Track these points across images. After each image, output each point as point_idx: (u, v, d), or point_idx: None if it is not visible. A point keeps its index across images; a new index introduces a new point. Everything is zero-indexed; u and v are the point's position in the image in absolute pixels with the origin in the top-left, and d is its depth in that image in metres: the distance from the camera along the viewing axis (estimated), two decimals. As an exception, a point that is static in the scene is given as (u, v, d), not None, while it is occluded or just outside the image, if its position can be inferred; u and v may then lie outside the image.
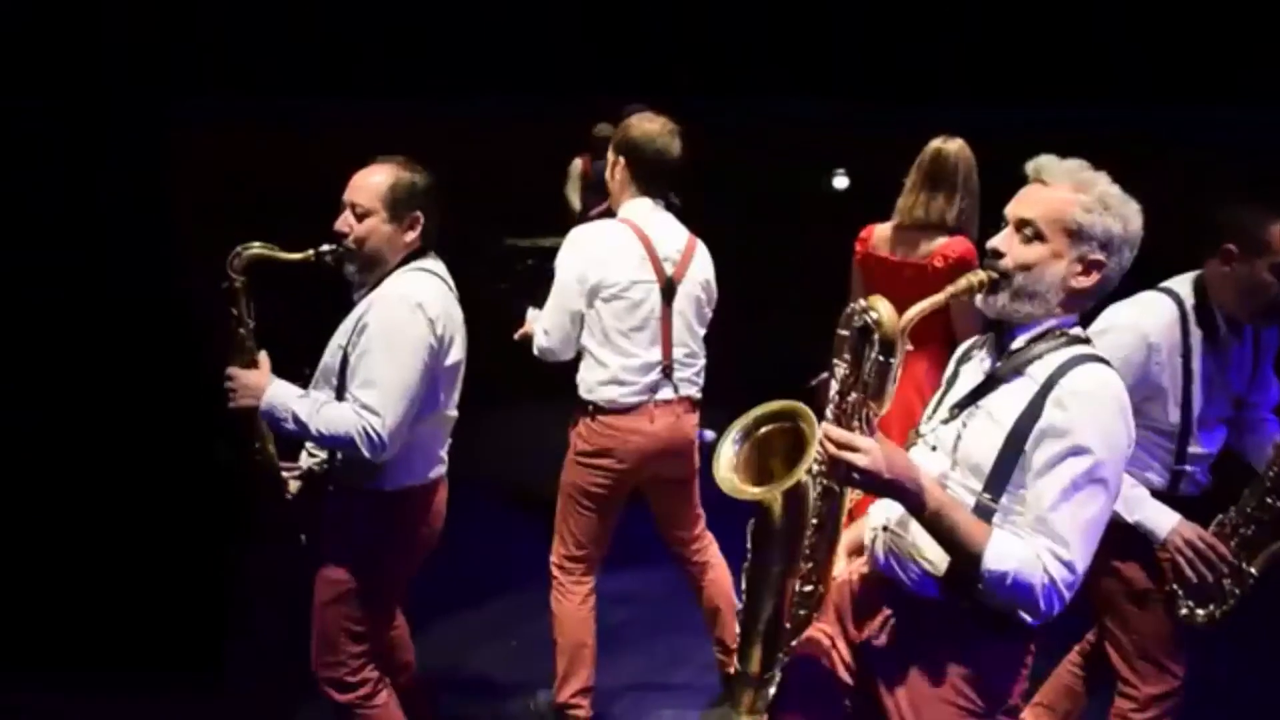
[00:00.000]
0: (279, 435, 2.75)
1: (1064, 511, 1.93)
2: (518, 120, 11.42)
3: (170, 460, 4.44)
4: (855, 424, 1.97)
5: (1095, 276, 2.02)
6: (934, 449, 2.13)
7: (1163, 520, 2.63)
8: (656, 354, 3.23)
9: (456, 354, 2.79)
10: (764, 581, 2.17)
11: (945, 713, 2.07)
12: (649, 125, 3.20)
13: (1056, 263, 2.02)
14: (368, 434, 2.59)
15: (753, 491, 2.08)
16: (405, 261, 2.77)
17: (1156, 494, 2.69)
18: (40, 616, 3.91)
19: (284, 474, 2.85)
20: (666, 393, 3.26)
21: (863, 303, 1.98)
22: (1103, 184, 2.04)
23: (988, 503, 2.01)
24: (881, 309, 1.96)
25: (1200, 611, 2.67)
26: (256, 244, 2.75)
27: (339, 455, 2.73)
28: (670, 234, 3.26)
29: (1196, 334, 2.66)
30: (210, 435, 4.66)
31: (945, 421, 2.12)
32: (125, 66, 4.54)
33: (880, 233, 3.57)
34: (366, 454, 2.59)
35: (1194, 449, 2.70)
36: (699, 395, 3.35)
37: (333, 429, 2.61)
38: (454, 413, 2.86)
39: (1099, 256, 2.01)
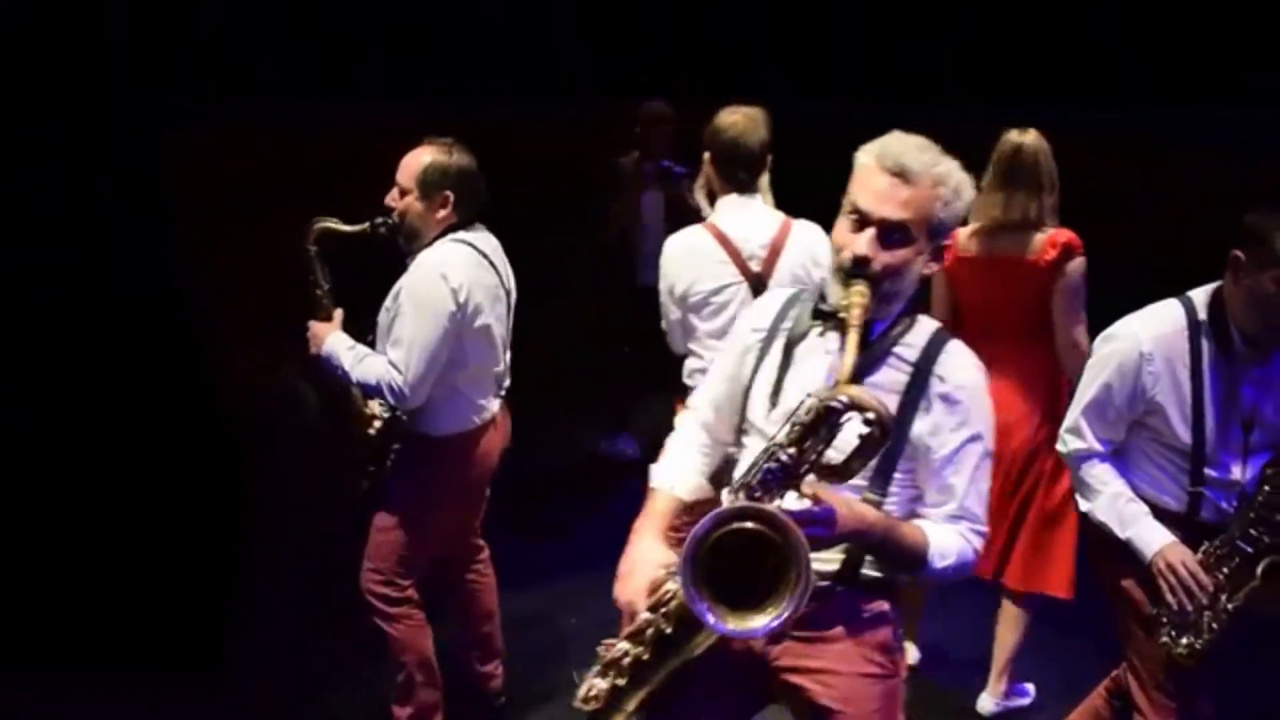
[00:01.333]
0: (333, 379, 3.13)
1: (973, 494, 2.06)
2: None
3: (170, 460, 4.44)
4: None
5: (941, 261, 2.08)
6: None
7: (1153, 539, 2.49)
8: None
9: (485, 317, 3.07)
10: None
11: (868, 687, 2.10)
12: (723, 119, 3.15)
13: (918, 259, 2.02)
14: (391, 386, 2.95)
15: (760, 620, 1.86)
16: (446, 233, 3.06)
17: (1174, 516, 2.52)
18: (40, 616, 3.91)
19: (370, 416, 3.19)
20: None
21: (834, 392, 1.86)
22: (954, 170, 2.02)
23: (876, 499, 2.03)
24: (852, 390, 1.87)
25: (1182, 641, 2.47)
26: (324, 218, 3.17)
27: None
28: (756, 229, 3.15)
29: (1208, 347, 2.48)
30: (210, 434, 4.69)
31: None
32: (125, 66, 4.53)
33: (959, 237, 3.26)
34: (392, 402, 2.99)
35: (1212, 471, 2.49)
36: None
37: (366, 378, 3.00)
38: (499, 367, 3.18)
39: (948, 242, 2.11)
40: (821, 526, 1.88)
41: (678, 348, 3.25)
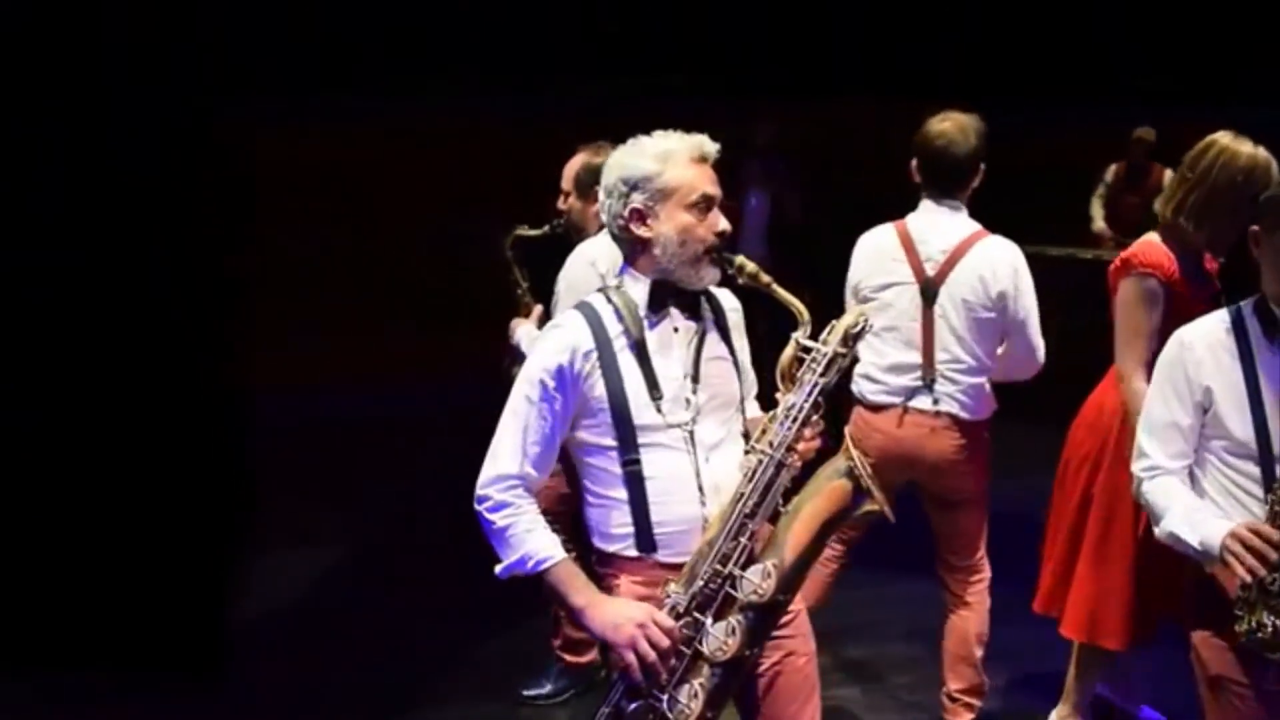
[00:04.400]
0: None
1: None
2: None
3: (170, 461, 4.43)
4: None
5: None
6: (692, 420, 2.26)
7: (1222, 529, 2.21)
8: (912, 357, 3.19)
9: None
10: None
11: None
12: (933, 125, 3.18)
13: None
14: None
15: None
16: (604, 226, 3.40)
17: None
18: (37, 616, 3.92)
19: None
20: (922, 401, 3.18)
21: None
22: None
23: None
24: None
25: (1264, 623, 2.17)
26: (517, 227, 3.70)
27: None
28: (941, 233, 3.17)
29: (1255, 333, 2.33)
30: (211, 434, 4.66)
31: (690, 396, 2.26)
32: (125, 66, 4.52)
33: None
34: None
35: None
36: (968, 417, 3.18)
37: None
38: None
39: None
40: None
41: None
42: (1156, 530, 2.36)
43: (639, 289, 2.30)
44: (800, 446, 2.18)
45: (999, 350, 3.23)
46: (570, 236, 3.54)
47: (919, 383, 3.19)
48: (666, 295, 2.29)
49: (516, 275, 3.74)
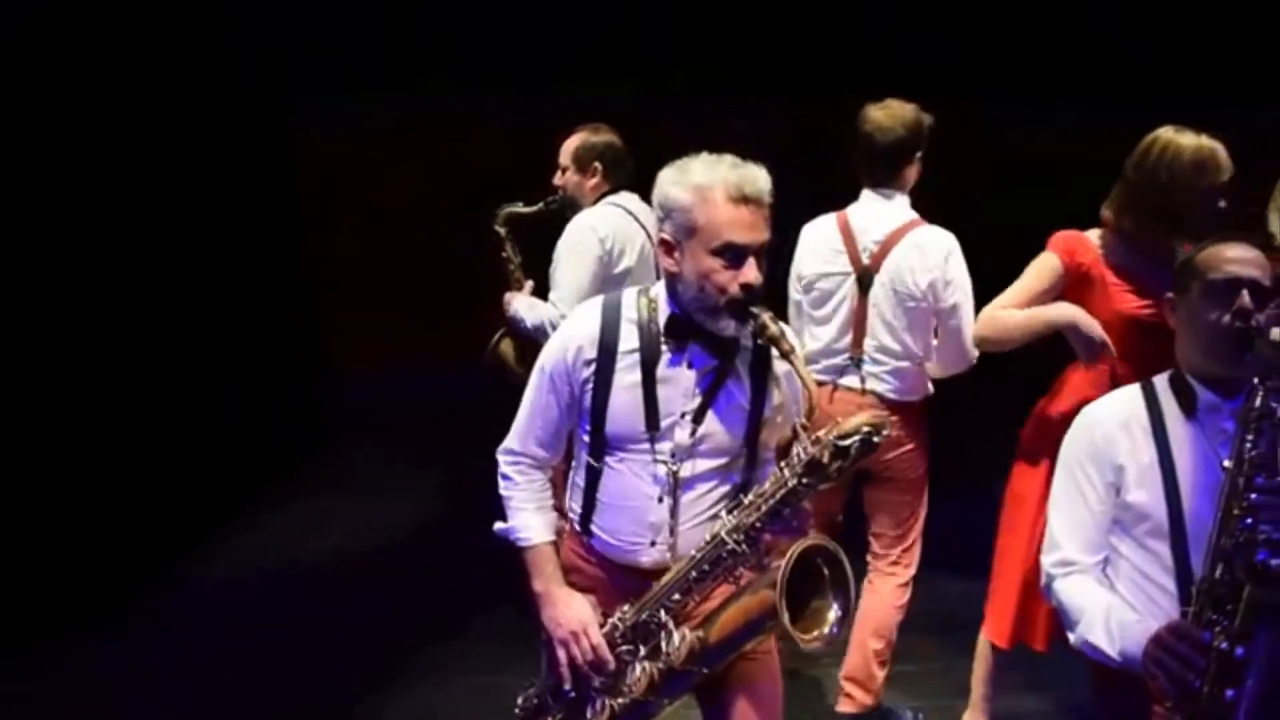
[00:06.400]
0: (524, 333, 3.74)
1: None
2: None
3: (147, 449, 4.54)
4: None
5: None
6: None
7: (1141, 638, 2.00)
8: (845, 342, 3.29)
9: (627, 261, 3.68)
10: None
11: None
12: (868, 111, 3.27)
13: None
14: (552, 323, 3.53)
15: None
16: (600, 199, 3.77)
17: None
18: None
19: None
20: (850, 380, 3.29)
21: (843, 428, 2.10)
22: None
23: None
24: (857, 421, 2.13)
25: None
26: (507, 204, 3.89)
27: None
28: (876, 223, 3.24)
29: (1170, 404, 2.19)
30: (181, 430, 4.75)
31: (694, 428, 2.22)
32: (119, 64, 4.48)
33: None
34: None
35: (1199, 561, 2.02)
36: (895, 398, 3.25)
37: (538, 321, 3.65)
38: None
39: None
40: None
41: (795, 329, 3.30)
42: (1071, 636, 2.17)
43: (664, 313, 2.22)
44: (764, 539, 2.13)
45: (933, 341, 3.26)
46: (565, 213, 3.79)
47: (848, 362, 3.25)
48: (685, 331, 2.19)
49: (509, 251, 3.93)
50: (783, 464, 2.11)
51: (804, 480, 2.07)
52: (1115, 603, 2.13)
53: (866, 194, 3.28)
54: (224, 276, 5.16)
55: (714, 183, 2.07)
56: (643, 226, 3.70)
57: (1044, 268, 3.00)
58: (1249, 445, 1.97)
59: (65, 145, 4.19)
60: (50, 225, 4.13)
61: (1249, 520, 1.93)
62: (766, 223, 2.11)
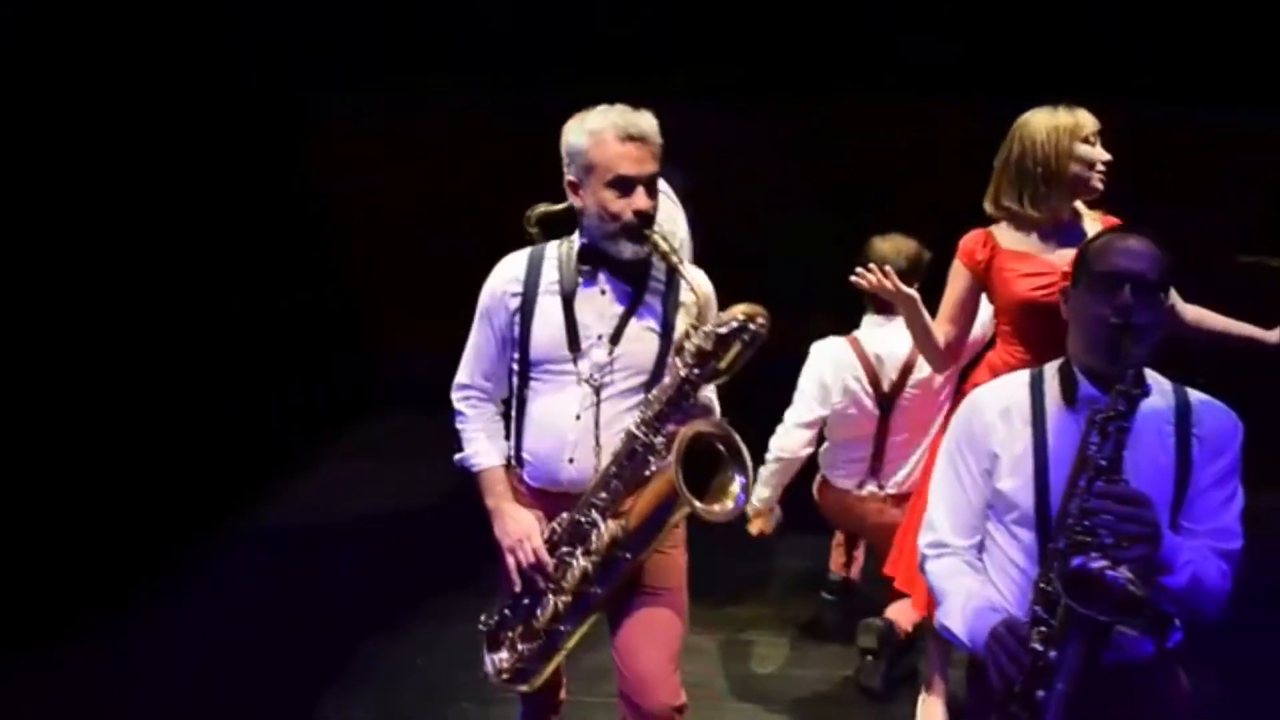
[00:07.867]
0: None
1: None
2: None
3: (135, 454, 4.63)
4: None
5: None
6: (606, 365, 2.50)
7: (986, 627, 2.03)
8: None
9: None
10: None
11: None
12: (874, 244, 3.58)
13: None
14: None
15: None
16: None
17: None
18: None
19: None
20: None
21: (725, 317, 2.39)
22: None
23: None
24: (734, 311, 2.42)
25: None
26: (540, 204, 3.75)
27: None
28: (890, 349, 3.62)
29: (1053, 391, 2.16)
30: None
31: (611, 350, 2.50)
32: (119, 64, 4.49)
33: None
34: None
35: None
36: None
37: None
38: None
39: None
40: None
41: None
42: (935, 616, 2.18)
43: (578, 246, 2.54)
44: (668, 429, 2.37)
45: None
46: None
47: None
48: (595, 259, 2.50)
49: None
50: (676, 359, 2.40)
51: (695, 370, 2.34)
52: (976, 589, 2.14)
53: (873, 318, 3.64)
54: (255, 267, 5.44)
55: (605, 126, 2.39)
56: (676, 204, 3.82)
57: (954, 274, 3.14)
58: (1093, 446, 1.96)
59: (65, 145, 4.21)
60: (51, 223, 4.14)
61: (1086, 523, 1.93)
62: (654, 158, 2.41)
